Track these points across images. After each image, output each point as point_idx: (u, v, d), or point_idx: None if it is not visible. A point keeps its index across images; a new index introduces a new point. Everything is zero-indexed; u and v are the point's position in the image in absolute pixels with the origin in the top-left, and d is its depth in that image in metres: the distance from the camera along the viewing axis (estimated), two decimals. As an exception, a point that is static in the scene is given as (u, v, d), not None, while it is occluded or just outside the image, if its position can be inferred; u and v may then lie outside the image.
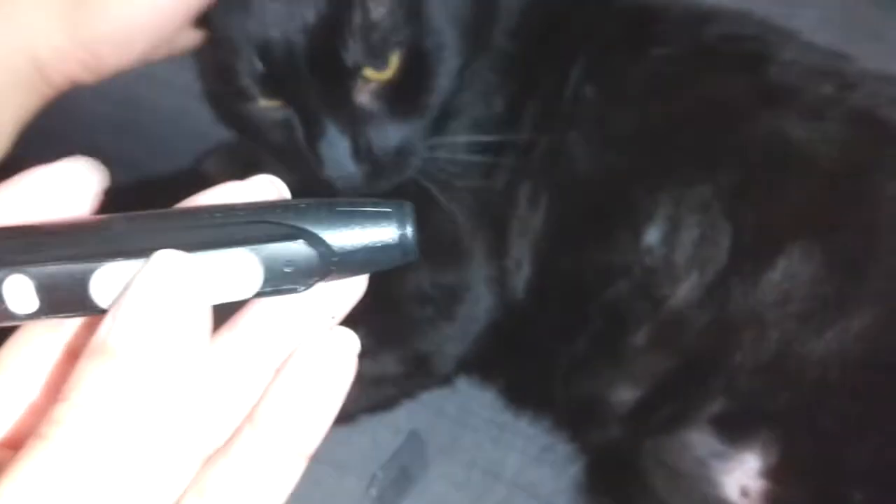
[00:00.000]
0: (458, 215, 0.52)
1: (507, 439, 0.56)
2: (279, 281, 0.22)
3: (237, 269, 0.21)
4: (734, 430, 0.48)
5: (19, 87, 0.46)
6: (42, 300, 0.21)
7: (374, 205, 0.23)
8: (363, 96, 0.48)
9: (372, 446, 0.55)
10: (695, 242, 0.50)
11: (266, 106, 0.50)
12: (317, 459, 0.56)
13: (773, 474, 0.47)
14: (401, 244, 0.23)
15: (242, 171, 0.59)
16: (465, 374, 0.57)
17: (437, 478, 0.55)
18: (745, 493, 0.48)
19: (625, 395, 0.52)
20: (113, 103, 0.59)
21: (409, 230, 0.23)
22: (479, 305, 0.54)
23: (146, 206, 0.23)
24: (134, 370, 0.20)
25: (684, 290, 0.50)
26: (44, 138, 0.66)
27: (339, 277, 0.23)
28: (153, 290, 0.20)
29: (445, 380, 0.57)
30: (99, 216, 0.23)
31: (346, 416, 0.55)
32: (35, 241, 0.21)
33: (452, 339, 0.54)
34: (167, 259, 0.21)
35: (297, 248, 0.22)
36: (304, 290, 0.22)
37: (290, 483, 0.25)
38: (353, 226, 0.22)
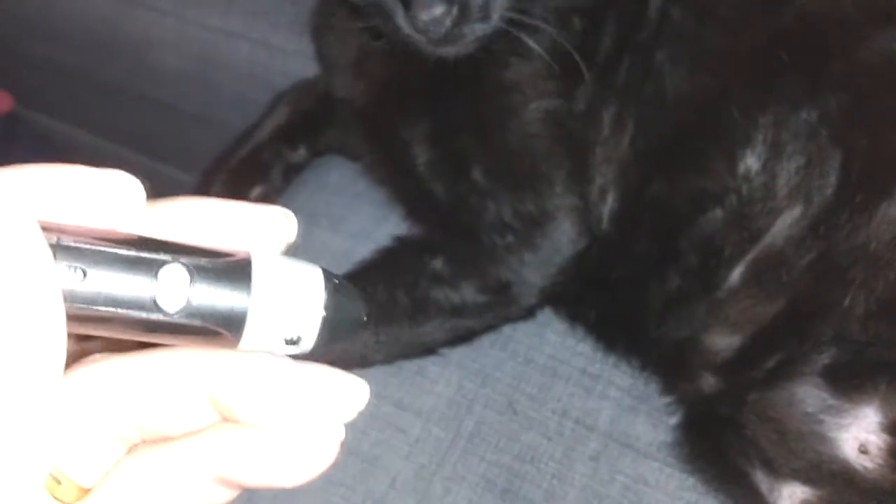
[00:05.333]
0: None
1: (601, 389, 0.53)
2: None
3: None
4: (848, 382, 0.44)
5: None
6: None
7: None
8: None
9: (457, 394, 0.54)
10: (799, 170, 0.46)
11: None
12: (402, 407, 0.55)
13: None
14: None
15: (314, 107, 0.59)
16: (552, 308, 0.55)
17: (528, 427, 0.53)
18: (863, 449, 0.44)
19: (721, 342, 0.48)
20: (188, 58, 0.59)
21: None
22: (561, 235, 0.52)
23: None
24: None
25: (785, 223, 0.46)
26: (122, 94, 0.69)
27: None
28: None
29: (529, 311, 0.54)
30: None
31: (426, 350, 0.54)
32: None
33: (534, 268, 0.52)
34: None
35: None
36: None
37: None
38: None
